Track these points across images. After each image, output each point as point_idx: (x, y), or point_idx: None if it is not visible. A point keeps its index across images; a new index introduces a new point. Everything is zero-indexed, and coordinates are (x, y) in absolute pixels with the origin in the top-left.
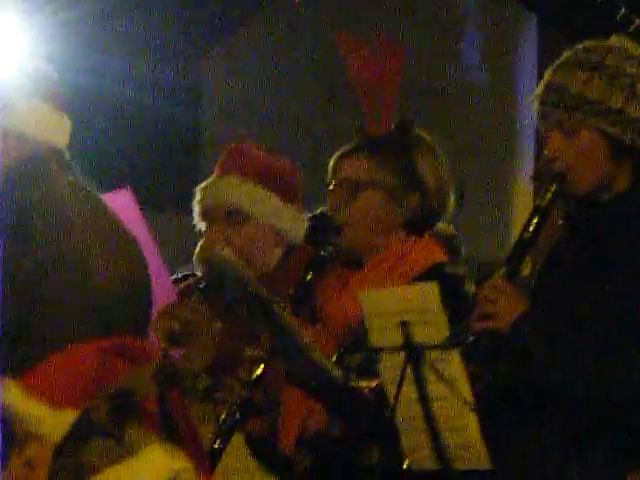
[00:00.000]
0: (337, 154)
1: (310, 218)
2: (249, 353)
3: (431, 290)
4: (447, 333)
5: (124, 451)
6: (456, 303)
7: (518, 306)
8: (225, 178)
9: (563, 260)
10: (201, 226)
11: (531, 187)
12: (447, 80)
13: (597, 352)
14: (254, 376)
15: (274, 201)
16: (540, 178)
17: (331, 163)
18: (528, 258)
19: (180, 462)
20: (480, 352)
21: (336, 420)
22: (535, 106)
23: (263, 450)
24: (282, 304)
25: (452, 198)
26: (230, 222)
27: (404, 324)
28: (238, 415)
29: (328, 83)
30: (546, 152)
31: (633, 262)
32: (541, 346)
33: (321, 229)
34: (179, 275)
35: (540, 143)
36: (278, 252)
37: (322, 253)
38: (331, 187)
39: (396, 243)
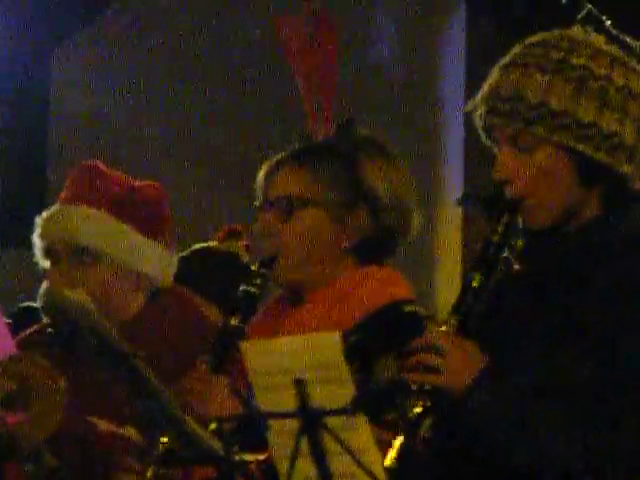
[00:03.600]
0: (265, 167)
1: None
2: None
3: (332, 341)
4: (352, 393)
5: None
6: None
7: (473, 365)
8: (71, 208)
9: (510, 304)
10: (45, 264)
11: (459, 210)
12: (353, 78)
13: (575, 423)
14: (160, 448)
15: (133, 237)
16: (470, 202)
17: (259, 178)
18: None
19: None
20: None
21: None
22: (478, 115)
23: None
24: (142, 359)
25: (415, 213)
26: (77, 262)
27: (299, 383)
28: None
29: (208, 84)
30: (495, 174)
31: (602, 304)
32: (511, 418)
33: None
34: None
35: (469, 156)
36: (139, 297)
37: (250, 290)
38: (259, 207)
39: (343, 274)
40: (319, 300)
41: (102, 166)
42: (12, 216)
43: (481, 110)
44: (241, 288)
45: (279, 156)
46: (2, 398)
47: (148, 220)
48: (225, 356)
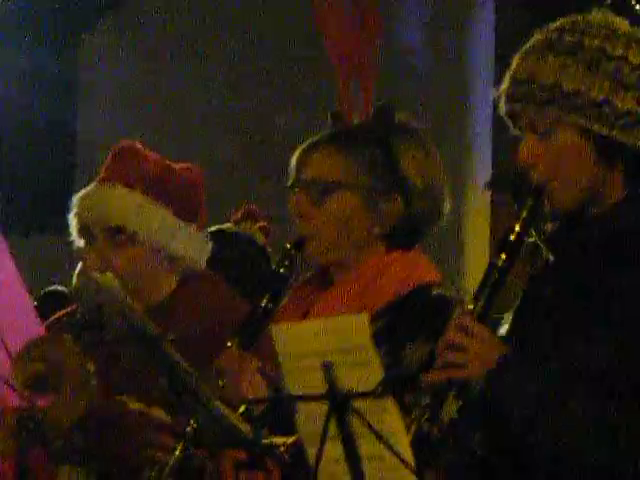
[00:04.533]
0: (300, 149)
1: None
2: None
3: (360, 323)
4: (381, 377)
5: None
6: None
7: (494, 353)
8: (107, 187)
9: (545, 293)
10: (79, 244)
11: (488, 195)
12: (380, 64)
13: (596, 410)
14: (190, 430)
15: (168, 218)
16: (499, 187)
17: (294, 159)
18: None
19: None
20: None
21: None
22: (502, 104)
23: None
24: (172, 342)
25: (446, 202)
26: (112, 242)
27: (327, 366)
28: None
29: (234, 69)
30: (519, 159)
31: (630, 291)
32: (524, 403)
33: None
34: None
35: (497, 142)
36: (171, 280)
37: (280, 271)
38: (294, 189)
39: (373, 258)
40: (348, 284)
41: (139, 147)
42: (39, 202)
43: (503, 99)
44: (271, 269)
45: (315, 137)
46: (29, 380)
47: (183, 203)
48: (255, 337)
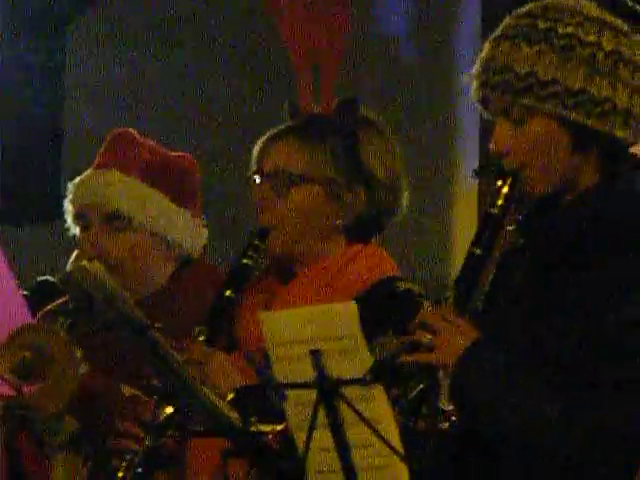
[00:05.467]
0: (263, 138)
1: None
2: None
3: (349, 311)
4: (369, 364)
5: None
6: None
7: (466, 340)
8: (103, 173)
9: (515, 279)
10: (75, 230)
11: (476, 183)
12: (367, 56)
13: (557, 401)
14: (162, 418)
15: (164, 204)
16: (486, 175)
17: (256, 150)
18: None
19: None
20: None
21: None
22: (474, 89)
23: None
24: (161, 329)
25: (406, 195)
26: (109, 227)
27: (315, 354)
28: (141, 469)
29: (233, 55)
30: (492, 146)
31: (601, 276)
32: (495, 390)
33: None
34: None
35: (485, 131)
36: (168, 267)
37: (244, 262)
38: (257, 180)
39: (336, 251)
40: (311, 276)
41: (134, 133)
42: (27, 192)
43: (475, 84)
44: (235, 260)
45: (278, 128)
46: (16, 367)
47: (179, 189)
48: (220, 328)
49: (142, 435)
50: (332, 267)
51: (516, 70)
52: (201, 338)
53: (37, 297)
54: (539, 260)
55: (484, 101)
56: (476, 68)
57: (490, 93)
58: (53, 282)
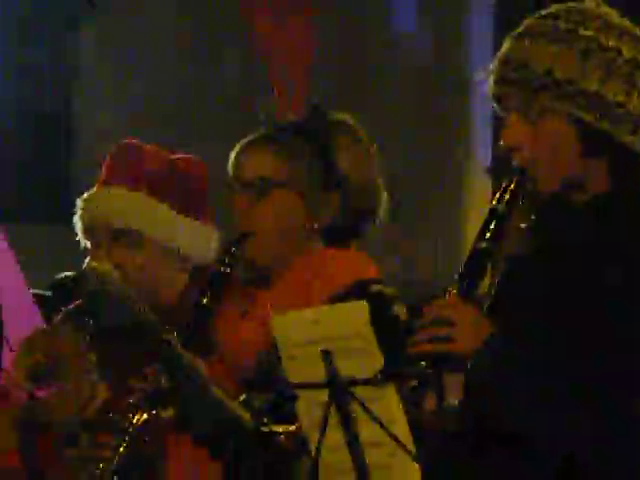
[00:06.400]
0: (238, 147)
1: None
2: (130, 399)
3: (359, 311)
4: (380, 364)
5: None
6: (384, 330)
7: (482, 330)
8: (110, 189)
9: (525, 274)
10: (86, 244)
11: (489, 181)
12: (376, 53)
13: (576, 400)
14: (136, 425)
15: (173, 216)
16: (498, 173)
17: (232, 159)
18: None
19: None
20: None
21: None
22: (489, 85)
23: None
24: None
25: (383, 197)
26: (118, 243)
27: (326, 354)
28: (117, 477)
29: (239, 57)
30: (503, 142)
31: (612, 276)
32: (517, 381)
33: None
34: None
35: (498, 127)
36: (182, 277)
37: (221, 269)
38: (234, 188)
39: (311, 255)
40: (287, 281)
41: (139, 143)
42: (38, 192)
43: (492, 79)
44: (213, 267)
45: (252, 136)
46: (30, 371)
47: (188, 197)
48: (195, 335)
49: (117, 443)
50: (308, 271)
51: (534, 68)
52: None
53: (57, 294)
54: (554, 263)
55: (499, 97)
56: (493, 64)
57: (506, 89)
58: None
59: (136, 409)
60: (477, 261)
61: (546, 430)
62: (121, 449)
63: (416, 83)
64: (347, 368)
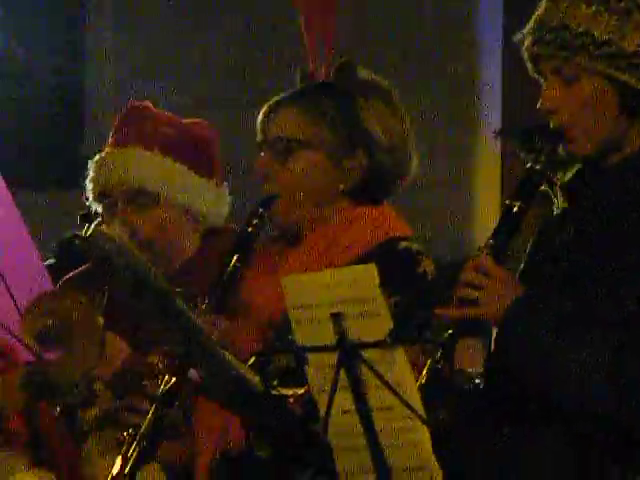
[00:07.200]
0: (265, 108)
1: None
2: (155, 360)
3: (368, 273)
4: (390, 327)
5: None
6: (412, 287)
7: (511, 292)
8: (124, 150)
9: (559, 239)
10: (97, 208)
11: (498, 144)
12: (388, 13)
13: (604, 359)
14: (164, 390)
15: (187, 176)
16: (508, 136)
17: (259, 119)
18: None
19: None
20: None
21: (261, 437)
22: (526, 46)
23: None
24: (182, 294)
25: (414, 156)
26: (134, 204)
27: (336, 317)
28: (146, 442)
29: (254, 21)
30: (541, 104)
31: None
32: (543, 342)
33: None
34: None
35: (507, 91)
36: (195, 238)
37: (249, 230)
38: (261, 148)
39: (339, 215)
40: (315, 240)
41: (150, 106)
42: (47, 158)
43: (528, 41)
44: (240, 228)
45: (278, 97)
46: (38, 334)
47: (201, 159)
48: (225, 297)
49: (147, 407)
50: (335, 229)
51: (572, 28)
52: (204, 307)
53: (64, 257)
54: (587, 222)
55: (536, 59)
56: (530, 25)
57: (543, 50)
58: (80, 240)
59: (164, 373)
60: (509, 222)
61: (564, 383)
62: (150, 414)
63: (426, 44)
64: (357, 331)
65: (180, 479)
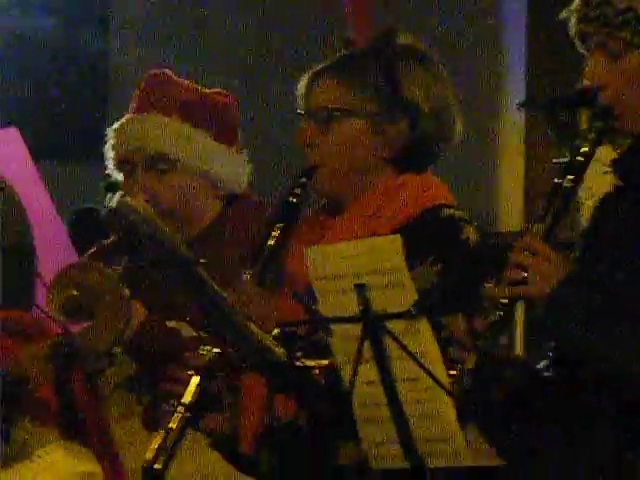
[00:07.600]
0: (306, 77)
1: None
2: (199, 332)
3: (394, 244)
4: (414, 298)
5: (15, 453)
6: (454, 254)
7: (558, 272)
8: (144, 116)
9: (615, 215)
10: (117, 176)
11: (522, 117)
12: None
13: None
14: (207, 361)
15: (207, 142)
16: (531, 108)
17: (300, 89)
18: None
19: (85, 464)
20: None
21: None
22: (572, 24)
23: (229, 452)
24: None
25: (458, 120)
26: (153, 170)
27: (360, 288)
28: (189, 413)
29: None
30: (587, 80)
31: None
32: (578, 323)
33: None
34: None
35: (531, 64)
36: (215, 204)
37: (291, 200)
38: (302, 118)
39: (382, 183)
40: (359, 209)
41: (170, 73)
42: (71, 128)
43: (574, 18)
44: (282, 198)
45: (320, 66)
46: (64, 305)
47: (220, 126)
48: (269, 267)
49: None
50: (379, 197)
51: (616, 4)
52: (247, 278)
53: (79, 227)
54: (638, 199)
55: (582, 36)
56: (576, 2)
57: (588, 27)
58: (97, 211)
59: (207, 344)
60: (559, 199)
61: (607, 359)
62: (193, 385)
63: (450, 18)
64: (381, 302)
65: (225, 450)
